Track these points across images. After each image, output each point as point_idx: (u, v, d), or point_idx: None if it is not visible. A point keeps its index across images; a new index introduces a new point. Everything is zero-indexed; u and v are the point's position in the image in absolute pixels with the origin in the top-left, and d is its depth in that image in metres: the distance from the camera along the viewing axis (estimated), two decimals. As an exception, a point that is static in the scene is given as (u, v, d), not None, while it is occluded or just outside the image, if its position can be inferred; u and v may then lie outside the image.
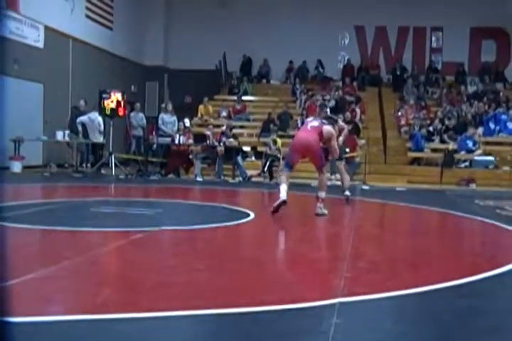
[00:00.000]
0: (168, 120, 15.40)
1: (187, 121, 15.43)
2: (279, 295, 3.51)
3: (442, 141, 15.86)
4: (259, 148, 15.48)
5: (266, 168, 14.03)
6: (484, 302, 3.53)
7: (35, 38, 15.03)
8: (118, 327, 2.85)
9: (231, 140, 14.37)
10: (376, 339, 2.86)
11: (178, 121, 15.24)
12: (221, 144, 14.18)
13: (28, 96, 13.89)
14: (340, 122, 9.43)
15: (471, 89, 19.13)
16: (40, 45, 15.27)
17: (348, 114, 16.75)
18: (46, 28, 15.45)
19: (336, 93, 18.73)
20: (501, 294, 3.88)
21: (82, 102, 14.94)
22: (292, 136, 16.90)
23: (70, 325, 2.84)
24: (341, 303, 3.24)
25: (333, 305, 3.19)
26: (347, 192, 9.24)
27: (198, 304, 3.21)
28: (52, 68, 15.58)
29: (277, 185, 7.72)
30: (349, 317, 3.04)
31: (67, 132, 14.38)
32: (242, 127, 17.90)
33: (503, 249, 5.98)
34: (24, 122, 12.80)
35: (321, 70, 21.33)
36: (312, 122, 7.73)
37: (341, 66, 21.67)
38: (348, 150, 14.81)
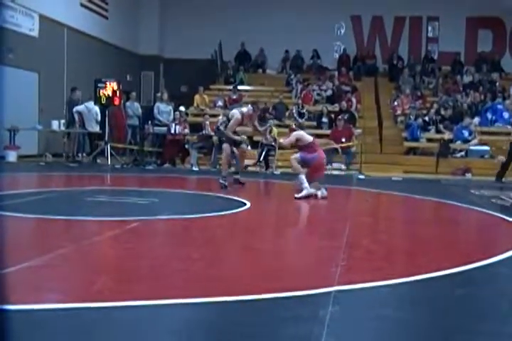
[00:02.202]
0: (163, 109, 15.36)
1: (182, 108, 15.41)
2: (275, 283, 3.52)
3: (438, 131, 15.86)
4: (255, 138, 15.46)
5: (262, 158, 14.04)
6: (479, 290, 3.56)
7: (30, 27, 14.93)
8: (113, 315, 2.85)
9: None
10: (372, 326, 2.87)
11: (174, 111, 15.22)
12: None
13: (22, 85, 13.82)
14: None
15: (467, 78, 19.10)
16: (35, 33, 15.18)
17: (344, 104, 16.76)
18: (41, 16, 15.35)
19: (332, 83, 18.70)
20: (496, 282, 3.90)
21: (78, 93, 14.88)
22: (286, 126, 16.97)
23: (65, 313, 2.85)
24: (337, 291, 3.25)
25: (329, 293, 3.20)
26: (237, 176, 9.52)
27: (193, 292, 3.21)
28: (47, 57, 15.50)
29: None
30: (345, 305, 3.05)
31: (62, 121, 14.34)
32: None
33: (498, 238, 6.00)
34: (19, 111, 12.74)
35: (317, 60, 21.28)
36: None
37: (337, 56, 21.63)
38: (343, 140, 14.85)
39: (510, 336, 2.79)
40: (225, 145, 9.02)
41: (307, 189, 7.98)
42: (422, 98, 17.99)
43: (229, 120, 9.00)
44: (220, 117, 15.07)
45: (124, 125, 15.45)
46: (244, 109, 9.20)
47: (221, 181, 8.90)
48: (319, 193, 8.10)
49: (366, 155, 14.80)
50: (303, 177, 8.07)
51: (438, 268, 3.88)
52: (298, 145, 8.46)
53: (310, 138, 8.40)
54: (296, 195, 7.98)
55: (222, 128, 9.11)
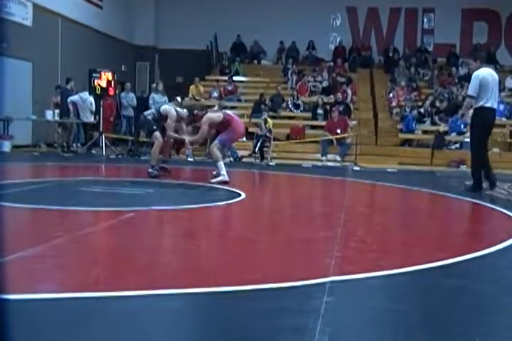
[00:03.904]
0: (158, 100, 15.32)
1: (178, 99, 15.35)
2: (269, 273, 3.52)
3: (433, 123, 15.89)
4: (251, 129, 15.47)
5: (257, 149, 14.05)
6: (472, 282, 3.56)
7: (24, 16, 14.83)
8: (107, 305, 2.85)
9: (222, 120, 14.30)
10: (366, 317, 2.88)
11: (169, 102, 15.17)
12: (212, 125, 14.10)
13: (16, 74, 13.74)
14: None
15: (462, 71, 19.10)
16: (29, 23, 15.07)
17: (339, 95, 16.75)
18: (35, 5, 15.25)
19: (328, 74, 18.67)
20: (489, 274, 3.90)
21: (72, 83, 14.80)
22: (284, 117, 16.97)
23: (59, 303, 2.84)
24: (332, 282, 3.25)
25: (323, 284, 3.20)
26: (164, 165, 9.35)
27: (188, 283, 3.21)
28: (41, 47, 15.40)
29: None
30: (340, 296, 3.05)
31: (56, 111, 14.28)
32: (233, 108, 17.84)
33: (491, 229, 6.02)
34: (13, 101, 12.68)
35: (313, 51, 21.24)
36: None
37: (333, 47, 21.59)
38: (339, 131, 14.86)
39: (505, 326, 2.80)
40: (157, 134, 8.89)
41: (224, 176, 8.29)
42: (418, 90, 18.00)
43: (160, 113, 8.85)
44: (216, 108, 15.13)
45: (109, 116, 15.36)
46: (179, 109, 9.15)
47: (150, 170, 8.81)
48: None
49: (361, 146, 14.83)
50: (221, 164, 8.40)
51: (433, 259, 3.89)
52: (215, 127, 8.72)
53: (220, 115, 8.66)
54: (211, 180, 8.31)
55: (150, 117, 8.95)
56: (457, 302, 3.16)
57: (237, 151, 13.99)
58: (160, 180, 8.65)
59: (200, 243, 4.43)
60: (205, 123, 8.58)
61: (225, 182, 8.18)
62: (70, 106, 14.24)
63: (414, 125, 15.70)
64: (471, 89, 8.19)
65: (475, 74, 8.25)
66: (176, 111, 8.94)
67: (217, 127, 8.74)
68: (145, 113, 9.27)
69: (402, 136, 15.90)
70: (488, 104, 8.15)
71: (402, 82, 17.99)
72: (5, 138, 13.43)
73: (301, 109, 17.12)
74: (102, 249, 4.41)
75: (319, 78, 18.55)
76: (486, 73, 8.22)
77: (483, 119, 8.27)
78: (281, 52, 21.27)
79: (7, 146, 13.40)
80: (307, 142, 15.36)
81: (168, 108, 8.96)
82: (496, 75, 8.39)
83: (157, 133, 8.82)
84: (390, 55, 20.53)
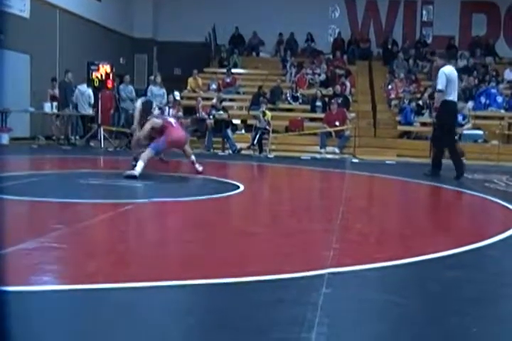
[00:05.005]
0: (157, 92, 15.28)
1: (177, 94, 15.32)
2: (267, 265, 3.52)
3: (432, 115, 15.87)
4: (249, 121, 15.46)
5: (255, 141, 14.04)
6: (470, 273, 3.57)
7: (21, 8, 14.76)
8: (106, 297, 2.86)
9: (221, 112, 14.32)
10: (365, 308, 2.89)
11: (167, 94, 15.15)
12: (211, 117, 14.11)
13: (14, 67, 13.69)
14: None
15: (461, 63, 19.06)
16: (26, 15, 15.01)
17: (337, 88, 16.73)
18: (32, -3, 15.20)
19: (326, 66, 18.64)
20: (487, 265, 3.91)
21: (70, 75, 14.79)
22: (283, 109, 16.95)
23: (59, 295, 2.85)
24: (330, 274, 3.26)
25: (322, 276, 3.21)
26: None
27: (186, 274, 3.22)
28: (39, 39, 15.35)
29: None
30: (338, 288, 3.06)
31: (54, 104, 14.26)
32: (231, 100, 17.83)
33: (490, 221, 6.04)
34: (11, 93, 12.63)
35: (311, 43, 21.19)
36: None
37: (331, 39, 21.54)
38: (337, 123, 14.86)
39: (499, 319, 2.81)
40: (134, 127, 9.04)
41: (136, 172, 7.63)
42: (416, 82, 17.98)
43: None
44: (214, 100, 15.12)
45: (107, 108, 15.31)
46: (157, 120, 8.95)
47: (134, 163, 8.72)
48: (199, 168, 8.41)
49: (360, 138, 14.82)
50: (142, 164, 7.77)
51: (430, 251, 3.89)
52: (155, 133, 8.31)
53: (160, 122, 8.34)
54: (126, 172, 7.74)
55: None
56: (455, 293, 3.17)
57: (236, 144, 14.00)
58: (159, 173, 8.64)
59: (198, 235, 4.44)
60: (148, 124, 8.32)
61: (132, 177, 7.52)
62: (74, 99, 14.25)
63: (412, 117, 15.69)
64: (441, 83, 8.83)
65: (441, 70, 8.94)
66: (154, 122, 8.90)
67: (155, 134, 8.34)
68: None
69: (400, 128, 15.90)
70: (451, 98, 8.94)
71: (401, 74, 17.97)
72: (3, 130, 13.42)
73: (300, 101, 17.11)
74: (101, 241, 4.42)
75: (318, 70, 18.51)
76: (450, 70, 8.97)
77: (451, 112, 9.08)
78: (279, 45, 21.22)
79: (5, 139, 13.39)
80: (306, 134, 15.36)
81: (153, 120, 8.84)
82: (456, 72, 9.25)
83: (134, 127, 8.96)
84: (389, 47, 20.49)
